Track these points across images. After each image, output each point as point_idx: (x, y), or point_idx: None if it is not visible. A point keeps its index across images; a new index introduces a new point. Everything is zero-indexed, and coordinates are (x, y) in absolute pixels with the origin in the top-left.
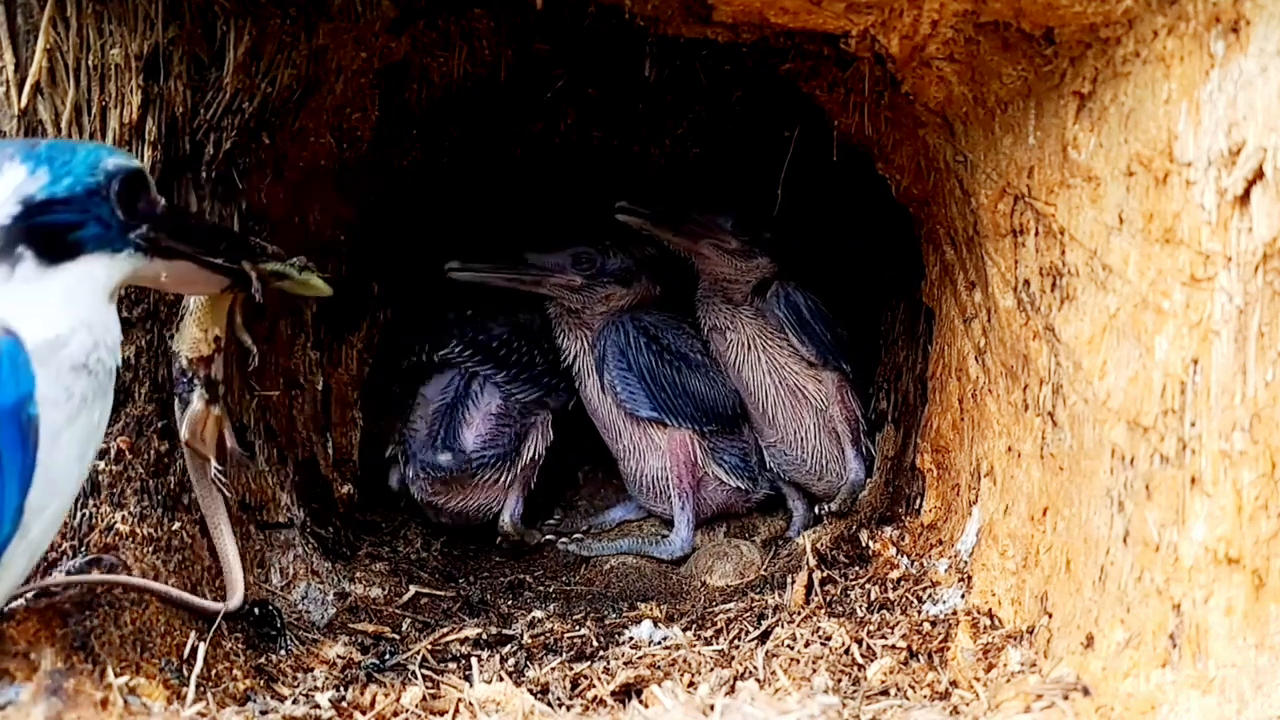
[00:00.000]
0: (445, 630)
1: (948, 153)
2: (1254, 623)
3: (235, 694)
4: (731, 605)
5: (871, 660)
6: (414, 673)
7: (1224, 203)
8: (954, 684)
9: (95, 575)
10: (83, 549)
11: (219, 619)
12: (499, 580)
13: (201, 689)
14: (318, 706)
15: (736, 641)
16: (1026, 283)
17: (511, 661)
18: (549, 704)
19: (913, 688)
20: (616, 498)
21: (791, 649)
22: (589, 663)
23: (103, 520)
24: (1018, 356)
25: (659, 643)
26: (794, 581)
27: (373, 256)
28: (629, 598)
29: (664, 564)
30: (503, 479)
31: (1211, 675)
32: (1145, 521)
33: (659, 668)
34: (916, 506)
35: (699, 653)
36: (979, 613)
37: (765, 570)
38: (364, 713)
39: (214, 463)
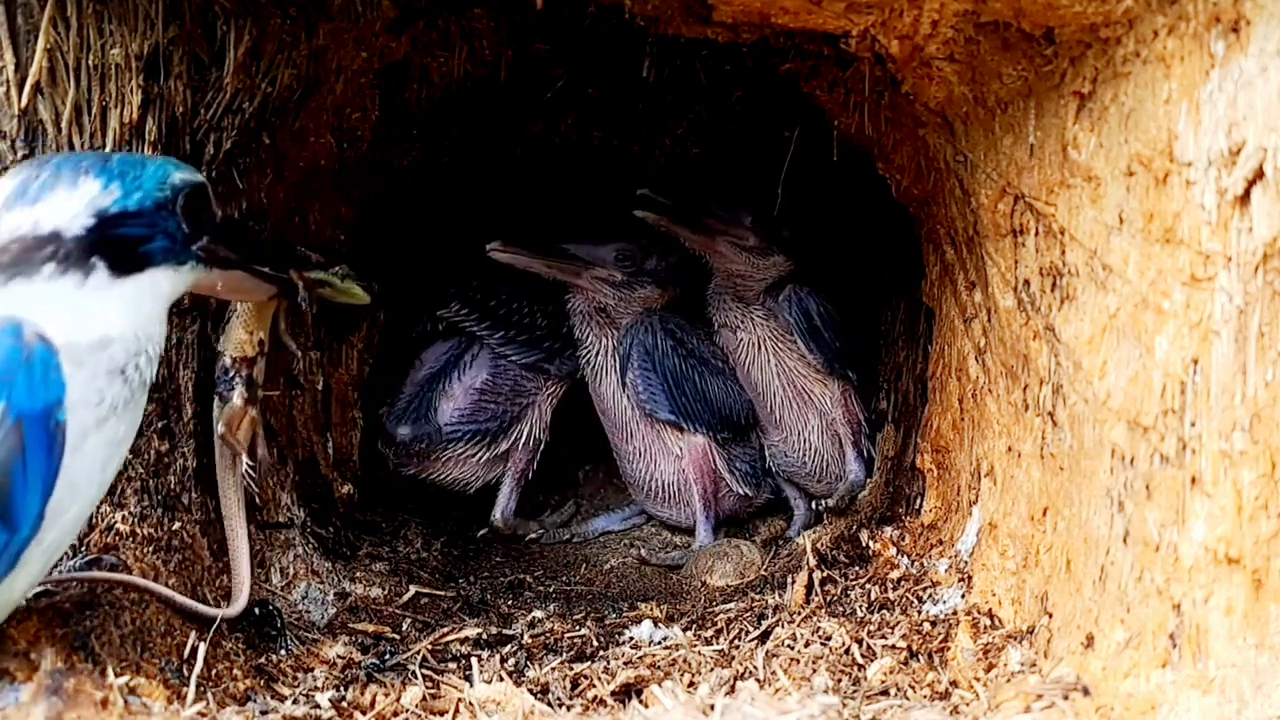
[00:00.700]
0: (445, 630)
1: (948, 153)
2: (1254, 623)
3: (235, 694)
4: (731, 605)
5: (871, 660)
6: (414, 673)
7: (1224, 203)
8: (954, 684)
9: (97, 574)
10: (83, 549)
11: (217, 622)
12: (499, 580)
13: (201, 689)
14: (318, 706)
15: (736, 641)
16: (1026, 283)
17: (511, 661)
18: (549, 704)
19: (913, 688)
20: (617, 498)
21: (791, 649)
22: (589, 663)
23: (102, 520)
24: (1018, 356)
25: (659, 643)
26: (794, 581)
27: (373, 256)
28: (629, 598)
29: (665, 565)
30: (479, 455)
31: (1211, 675)
32: (1145, 521)
33: (659, 668)
34: (917, 506)
35: (699, 653)
36: (979, 613)
37: (765, 570)
38: (364, 713)
39: (245, 459)
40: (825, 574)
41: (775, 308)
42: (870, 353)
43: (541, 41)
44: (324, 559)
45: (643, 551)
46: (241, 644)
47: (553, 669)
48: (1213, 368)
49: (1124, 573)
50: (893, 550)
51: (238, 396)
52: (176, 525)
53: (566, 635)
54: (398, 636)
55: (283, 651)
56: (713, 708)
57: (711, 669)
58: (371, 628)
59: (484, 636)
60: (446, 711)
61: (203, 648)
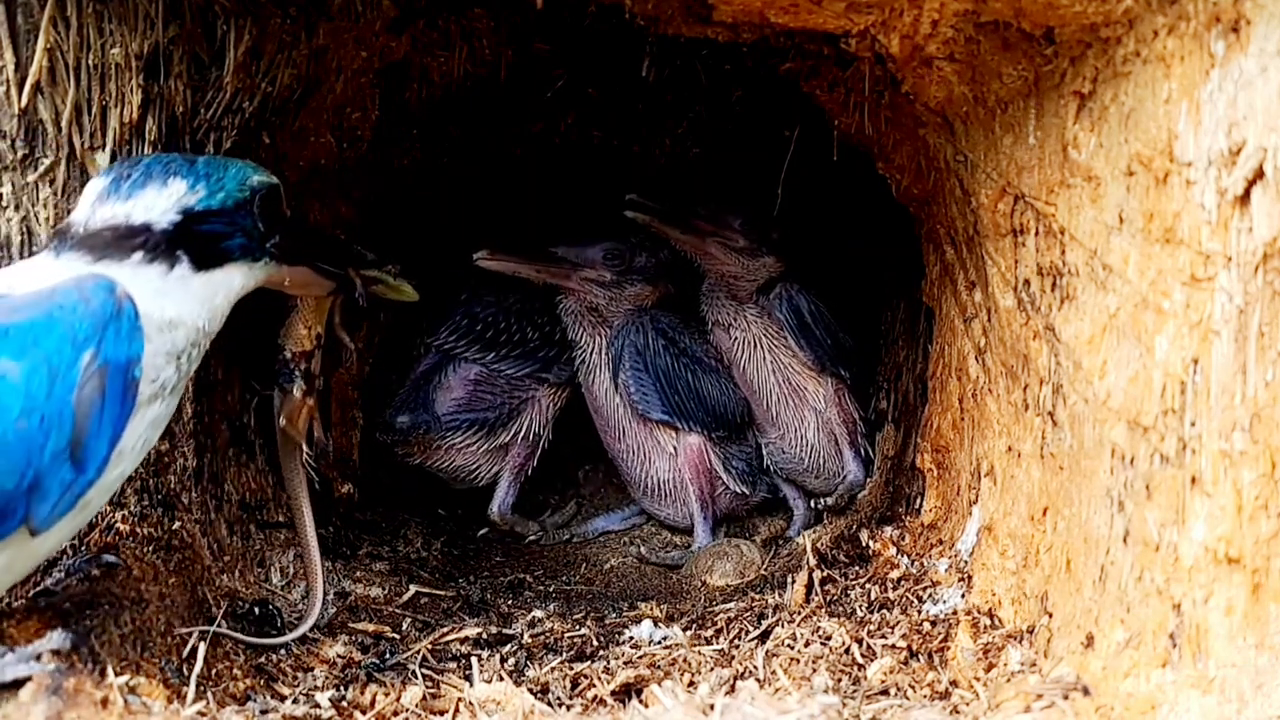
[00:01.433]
0: (445, 630)
1: (948, 152)
2: (1254, 623)
3: (235, 693)
4: (731, 605)
5: (871, 660)
6: (414, 672)
7: (1224, 202)
8: (954, 684)
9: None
10: (82, 548)
11: (318, 610)
12: (499, 580)
13: (201, 688)
14: (318, 706)
15: (736, 641)
16: (1026, 282)
17: (511, 661)
18: (549, 704)
19: (913, 687)
20: (617, 498)
21: (791, 649)
22: (589, 662)
23: (102, 520)
24: (1018, 356)
25: (659, 642)
26: (794, 581)
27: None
28: (629, 597)
29: (665, 565)
30: (477, 445)
31: (1211, 675)
32: (1145, 521)
33: (659, 667)
34: (917, 506)
35: (699, 652)
36: (979, 612)
37: (765, 570)
38: (364, 712)
39: (305, 447)
40: (825, 574)
41: (768, 305)
42: (863, 351)
43: (541, 41)
44: (324, 559)
45: (642, 550)
46: (242, 644)
47: (553, 669)
48: (1213, 368)
49: (1124, 573)
50: (893, 550)
51: (297, 389)
52: (176, 525)
53: (566, 635)
54: (398, 636)
55: (283, 651)
56: (713, 707)
57: (711, 669)
58: (371, 627)
59: (484, 636)
60: (446, 711)
61: (203, 648)
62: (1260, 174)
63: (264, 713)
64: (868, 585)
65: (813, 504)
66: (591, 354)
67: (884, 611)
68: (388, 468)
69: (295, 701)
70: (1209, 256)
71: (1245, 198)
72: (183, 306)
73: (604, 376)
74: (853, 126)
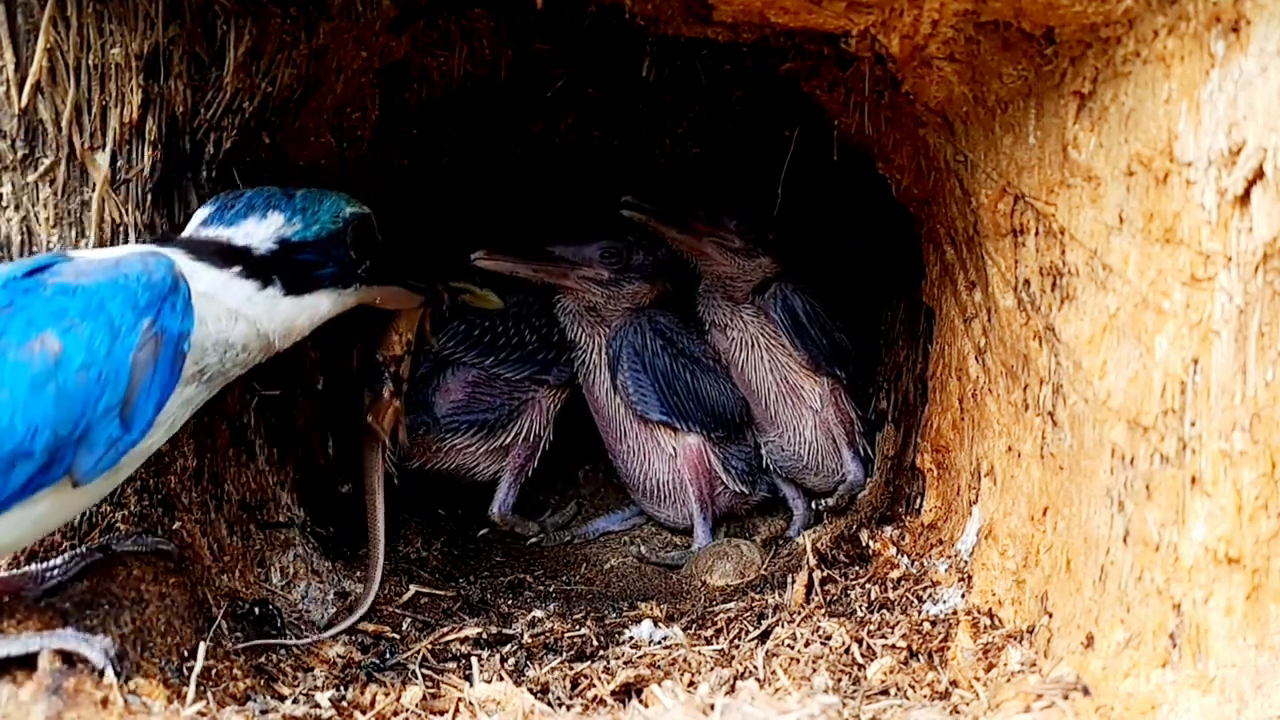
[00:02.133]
0: (445, 630)
1: (948, 152)
2: (1254, 623)
3: (235, 693)
4: (731, 605)
5: (871, 660)
6: (414, 672)
7: (1224, 202)
8: (954, 684)
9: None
10: (80, 544)
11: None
12: (499, 580)
13: (201, 689)
14: (318, 706)
15: (736, 641)
16: (1026, 282)
17: (511, 661)
18: (549, 704)
19: (913, 687)
20: (617, 499)
21: (791, 649)
22: (589, 662)
23: (103, 519)
24: (1018, 356)
25: (659, 642)
26: (794, 581)
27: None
28: (629, 597)
29: (665, 565)
30: (479, 446)
31: (1211, 675)
32: (1145, 521)
33: (659, 667)
34: (917, 506)
35: (699, 652)
36: (979, 612)
37: (765, 570)
38: (364, 712)
39: (388, 443)
40: (825, 574)
41: (763, 305)
42: (861, 350)
43: (541, 41)
44: (324, 559)
45: (642, 550)
46: (241, 644)
47: (553, 669)
48: (1213, 367)
49: (1124, 573)
50: (893, 550)
51: (386, 390)
52: (176, 525)
53: (566, 635)
54: (398, 636)
55: (283, 651)
56: (713, 707)
57: (711, 669)
58: (371, 627)
59: (484, 636)
60: (446, 711)
61: (203, 648)
62: (1260, 174)
63: (264, 713)
64: (868, 585)
65: (814, 505)
66: (590, 354)
67: (884, 611)
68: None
69: (295, 701)
70: (1209, 256)
71: (1245, 198)
72: (260, 317)
73: (603, 377)
74: (853, 126)
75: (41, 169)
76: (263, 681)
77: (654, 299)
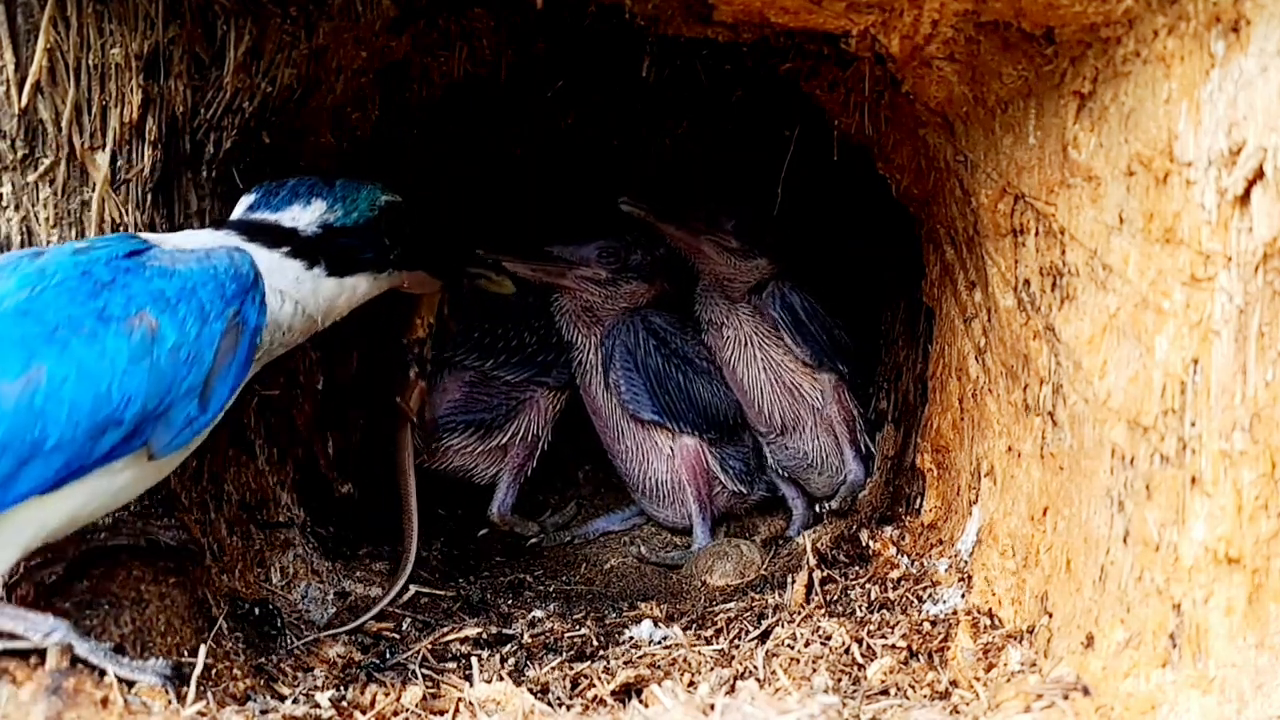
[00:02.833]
0: (445, 630)
1: (948, 152)
2: (1254, 622)
3: (235, 693)
4: (731, 605)
5: (871, 660)
6: (414, 672)
7: (1224, 202)
8: (954, 684)
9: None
10: (83, 544)
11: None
12: (499, 580)
13: (201, 689)
14: (318, 706)
15: (736, 641)
16: (1026, 282)
17: (511, 661)
18: (549, 704)
19: (913, 687)
20: (617, 499)
21: (791, 648)
22: (589, 662)
23: (108, 516)
24: (1018, 356)
25: (659, 642)
26: (794, 581)
27: None
28: (629, 597)
29: (665, 565)
30: (476, 446)
31: (1211, 675)
32: (1145, 521)
33: (659, 667)
34: (917, 506)
35: (699, 652)
36: (979, 612)
37: (765, 570)
38: (364, 712)
39: (414, 421)
40: (825, 574)
41: (760, 304)
42: (861, 348)
43: (541, 41)
44: (324, 559)
45: (642, 550)
46: (241, 644)
47: (553, 669)
48: (1213, 368)
49: (1124, 573)
50: (893, 550)
51: (411, 372)
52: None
53: (566, 635)
54: (398, 636)
55: (282, 651)
56: (713, 707)
57: (711, 669)
58: (372, 627)
59: (484, 636)
60: (446, 711)
61: (203, 649)
62: (1260, 174)
63: (264, 713)
64: (868, 585)
65: (817, 507)
66: (587, 354)
67: (884, 611)
68: (388, 467)
69: (295, 701)
70: (1209, 256)
71: (1245, 198)
72: (306, 297)
73: (600, 377)
74: (853, 126)
75: (41, 169)
76: (263, 681)
77: (652, 299)
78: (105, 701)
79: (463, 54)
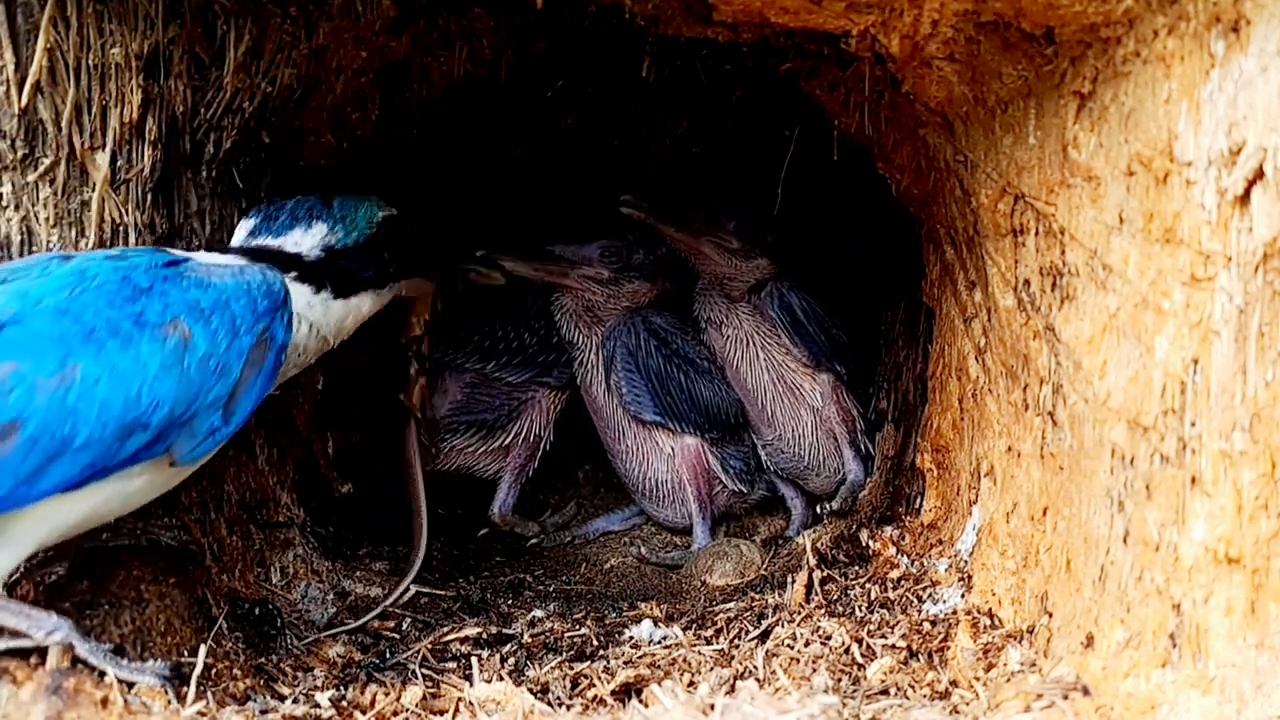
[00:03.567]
0: (445, 630)
1: (948, 152)
2: (1254, 622)
3: (235, 693)
4: (731, 605)
5: (871, 660)
6: (414, 672)
7: (1224, 202)
8: (954, 683)
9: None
10: (83, 544)
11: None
12: (499, 580)
13: (201, 689)
14: (317, 706)
15: (736, 641)
16: (1026, 282)
17: (511, 661)
18: (549, 703)
19: (913, 687)
20: (617, 499)
21: (791, 648)
22: (589, 662)
23: None
24: (1018, 356)
25: (659, 642)
26: (794, 581)
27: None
28: (629, 597)
29: (665, 565)
30: (478, 447)
31: (1211, 675)
32: (1145, 521)
33: (659, 667)
34: (916, 506)
35: (699, 652)
36: (979, 612)
37: (765, 570)
38: (364, 712)
39: (418, 416)
40: (825, 573)
41: (759, 304)
42: (859, 348)
43: (541, 41)
44: (324, 558)
45: (643, 550)
46: (241, 644)
47: (553, 668)
48: (1213, 367)
49: (1124, 572)
50: (893, 550)
51: (412, 369)
52: (177, 523)
53: (566, 635)
54: (398, 636)
55: (282, 651)
56: (713, 707)
57: (711, 668)
58: (372, 626)
59: (484, 636)
60: (446, 711)
61: (203, 649)
62: (1260, 174)
63: (264, 713)
64: (868, 585)
65: (817, 509)
66: (588, 354)
67: (884, 611)
68: (388, 467)
69: (295, 701)
70: (1209, 256)
71: (1245, 198)
72: (319, 320)
73: (600, 377)
74: (853, 126)
75: (41, 169)
76: (262, 681)
77: (654, 298)
78: (105, 702)
79: (463, 54)
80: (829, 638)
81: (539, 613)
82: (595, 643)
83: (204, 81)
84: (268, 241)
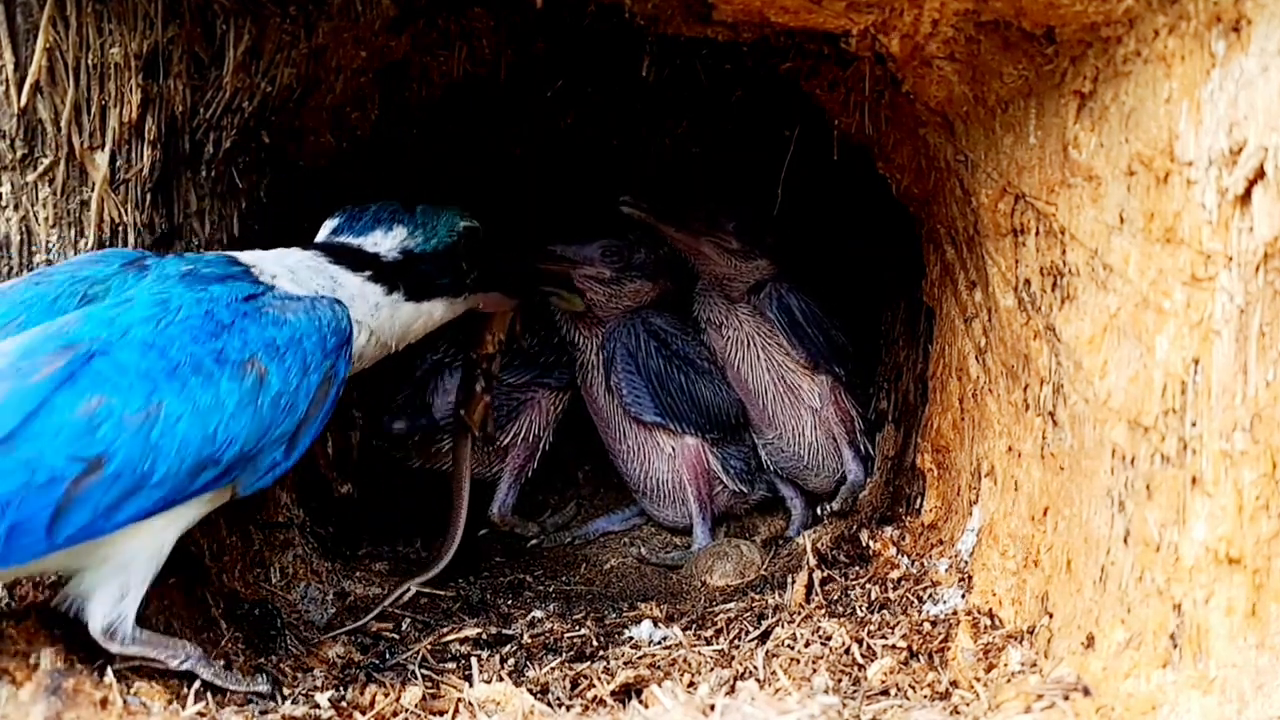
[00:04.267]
0: (445, 630)
1: (948, 152)
2: (1254, 623)
3: (235, 694)
4: (731, 605)
5: (872, 660)
6: (414, 673)
7: (1225, 202)
8: (954, 684)
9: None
10: None
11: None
12: (499, 580)
13: (202, 689)
14: (317, 706)
15: (736, 641)
16: (1027, 282)
17: (511, 661)
18: (549, 704)
19: (913, 688)
20: (617, 499)
21: (791, 649)
22: (589, 663)
23: None
24: (1018, 356)
25: (659, 643)
26: (794, 581)
27: None
28: (629, 598)
29: (665, 565)
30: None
31: (1212, 675)
32: (1146, 521)
33: (659, 668)
34: (917, 506)
35: (699, 653)
36: (979, 613)
37: (765, 570)
38: (364, 712)
39: (477, 434)
40: (825, 574)
41: (759, 305)
42: (859, 348)
43: (541, 41)
44: (324, 559)
45: (643, 551)
46: (241, 644)
47: (552, 669)
48: (1213, 367)
49: (1124, 573)
50: (893, 550)
51: (478, 386)
52: None
53: (566, 635)
54: (398, 636)
55: (282, 651)
56: (713, 708)
57: (711, 669)
58: (372, 627)
59: (484, 636)
60: (446, 711)
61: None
62: (1261, 173)
63: (264, 713)
64: (868, 585)
65: (818, 509)
66: (588, 355)
67: (884, 611)
68: (388, 467)
69: (295, 701)
70: (1210, 256)
71: (1246, 197)
72: (383, 324)
73: (601, 378)
74: (853, 126)
75: (41, 169)
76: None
77: (655, 298)
78: (105, 702)
79: (462, 54)
80: (829, 638)
81: (539, 613)
82: (595, 643)
83: (203, 81)
84: (349, 240)
